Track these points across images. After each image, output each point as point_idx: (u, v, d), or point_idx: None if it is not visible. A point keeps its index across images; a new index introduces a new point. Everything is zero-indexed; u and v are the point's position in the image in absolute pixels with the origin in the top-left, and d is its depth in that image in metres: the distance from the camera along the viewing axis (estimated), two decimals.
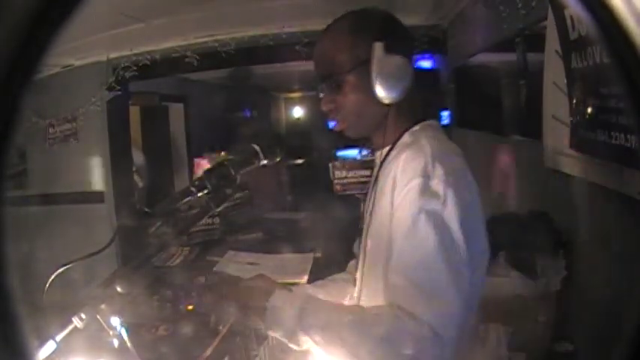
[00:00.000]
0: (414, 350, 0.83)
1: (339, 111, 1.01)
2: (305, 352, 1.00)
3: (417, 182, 0.88)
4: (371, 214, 1.00)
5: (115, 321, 0.82)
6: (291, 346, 0.95)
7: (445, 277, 0.84)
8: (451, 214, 0.85)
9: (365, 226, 1.04)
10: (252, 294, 0.98)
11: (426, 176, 0.87)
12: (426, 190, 0.87)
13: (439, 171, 0.87)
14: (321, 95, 1.02)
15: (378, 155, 1.04)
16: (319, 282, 1.25)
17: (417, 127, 1.00)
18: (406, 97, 0.95)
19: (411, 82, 0.95)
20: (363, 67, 0.94)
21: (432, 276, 0.85)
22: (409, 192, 0.89)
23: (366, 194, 1.11)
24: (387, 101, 0.94)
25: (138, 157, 3.99)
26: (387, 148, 1.00)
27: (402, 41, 0.98)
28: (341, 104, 1.00)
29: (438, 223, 0.85)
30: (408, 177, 0.90)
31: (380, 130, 1.01)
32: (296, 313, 0.90)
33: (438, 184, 0.87)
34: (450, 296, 0.84)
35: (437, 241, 0.85)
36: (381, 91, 0.93)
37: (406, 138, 0.98)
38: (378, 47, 0.93)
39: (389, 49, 0.93)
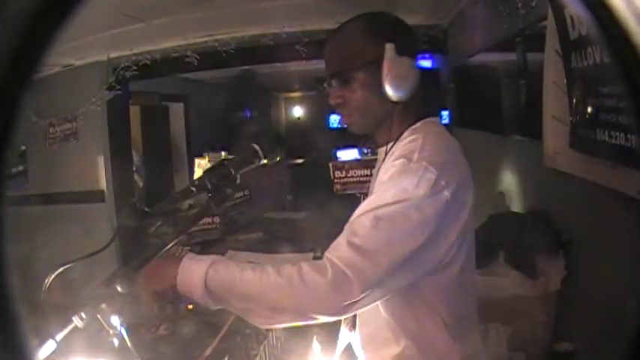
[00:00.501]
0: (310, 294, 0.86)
1: (346, 106, 1.05)
2: (305, 352, 1.00)
3: (399, 162, 0.94)
4: None
5: (115, 321, 0.82)
6: (208, 306, 0.94)
7: (383, 243, 0.88)
8: (420, 196, 0.89)
9: None
10: (165, 263, 0.96)
11: (409, 159, 0.93)
12: (405, 169, 0.93)
13: (425, 156, 0.92)
14: (329, 89, 1.06)
15: (382, 152, 1.08)
16: None
17: (418, 124, 1.04)
18: (411, 96, 1.01)
19: (417, 82, 1.00)
20: (373, 65, 0.99)
21: (373, 235, 0.88)
22: (390, 169, 0.95)
23: (366, 194, 1.12)
24: (395, 99, 0.99)
25: (135, 157, 3.99)
26: (390, 145, 1.05)
27: (409, 43, 1.04)
28: (348, 99, 1.04)
29: (404, 197, 0.89)
30: (394, 158, 0.97)
31: (384, 127, 1.06)
32: (204, 270, 0.90)
33: (417, 167, 0.91)
34: (387, 254, 0.88)
35: (394, 211, 0.89)
36: (390, 90, 0.98)
37: (407, 134, 1.03)
38: (390, 48, 0.98)
39: (399, 51, 0.99)
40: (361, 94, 1.03)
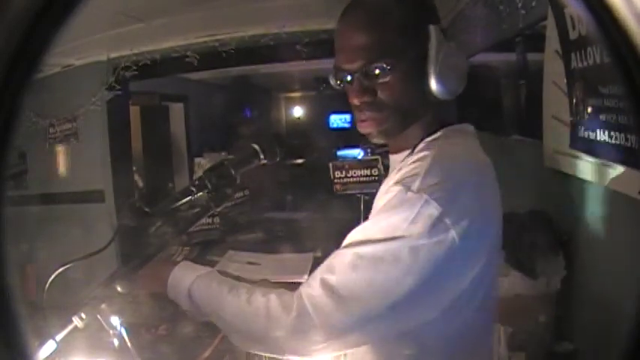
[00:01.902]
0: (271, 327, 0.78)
1: (376, 106, 0.82)
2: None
3: (397, 189, 0.76)
4: None
5: (115, 321, 0.82)
6: (195, 317, 0.93)
7: (360, 288, 0.74)
8: (415, 235, 0.72)
9: None
10: (160, 266, 0.95)
11: (408, 187, 0.75)
12: (401, 201, 0.74)
13: (426, 185, 0.73)
14: (349, 85, 0.83)
15: (394, 161, 0.90)
16: None
17: (438, 134, 0.84)
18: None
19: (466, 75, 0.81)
20: (415, 54, 0.78)
21: (350, 277, 0.75)
22: (386, 195, 0.78)
23: (366, 194, 1.10)
24: (443, 97, 0.80)
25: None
26: (405, 154, 0.85)
27: (448, 27, 0.86)
28: (381, 98, 0.81)
29: (395, 234, 0.73)
30: (392, 182, 0.79)
31: (404, 133, 0.86)
32: (189, 282, 0.89)
33: (416, 199, 0.73)
34: (363, 302, 0.74)
35: (380, 250, 0.73)
36: (438, 85, 0.78)
37: (422, 146, 0.84)
38: (436, 31, 0.78)
39: (445, 35, 0.79)
40: (400, 92, 0.80)
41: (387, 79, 0.80)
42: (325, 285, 0.75)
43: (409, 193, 0.74)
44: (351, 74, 0.82)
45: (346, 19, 0.83)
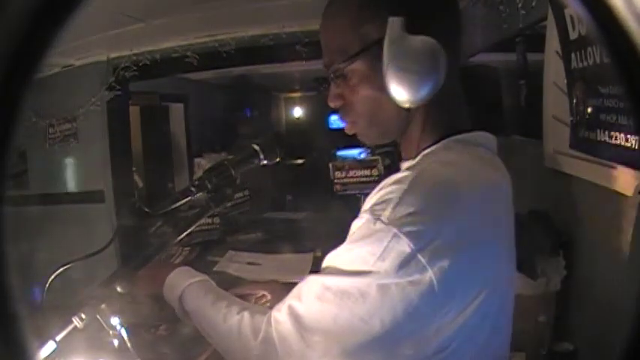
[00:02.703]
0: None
1: (347, 110, 0.77)
2: None
3: (366, 218, 0.66)
4: None
5: (115, 321, 0.82)
6: (184, 321, 0.94)
7: (324, 322, 0.67)
8: (383, 272, 0.63)
9: None
10: (160, 268, 0.97)
11: (377, 216, 0.64)
12: (369, 232, 0.65)
13: (398, 216, 0.63)
14: (331, 87, 0.78)
15: (404, 168, 0.77)
16: None
17: (437, 146, 0.73)
18: (437, 99, 0.69)
19: (444, 76, 0.67)
20: (375, 51, 0.67)
21: (316, 308, 0.68)
22: (357, 222, 0.69)
23: (366, 194, 1.09)
24: (405, 103, 0.68)
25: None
26: (409, 165, 0.75)
27: (438, 16, 0.71)
28: (350, 101, 0.76)
29: (363, 269, 0.64)
30: (367, 205, 0.69)
31: (406, 137, 0.77)
32: (181, 289, 0.90)
33: (384, 233, 0.63)
34: (327, 338, 0.67)
35: (348, 285, 0.65)
36: (396, 88, 0.66)
37: (419, 158, 0.74)
38: (395, 23, 0.65)
39: (414, 27, 0.65)
40: (363, 93, 0.73)
41: (350, 81, 0.73)
42: (292, 313, 0.70)
43: (377, 224, 0.64)
44: (328, 76, 0.76)
45: (322, 20, 0.78)
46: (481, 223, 0.67)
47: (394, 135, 0.78)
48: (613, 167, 1.32)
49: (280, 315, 0.72)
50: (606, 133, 1.32)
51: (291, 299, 0.72)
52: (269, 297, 1.11)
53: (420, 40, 0.65)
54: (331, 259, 0.71)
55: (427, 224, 0.63)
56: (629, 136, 1.20)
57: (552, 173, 1.78)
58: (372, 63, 0.69)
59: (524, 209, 1.88)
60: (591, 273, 1.57)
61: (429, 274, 0.62)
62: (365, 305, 0.64)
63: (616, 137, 1.27)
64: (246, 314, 0.78)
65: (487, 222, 0.68)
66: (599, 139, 1.37)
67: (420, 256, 0.61)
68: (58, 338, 0.75)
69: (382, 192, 0.67)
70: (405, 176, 0.66)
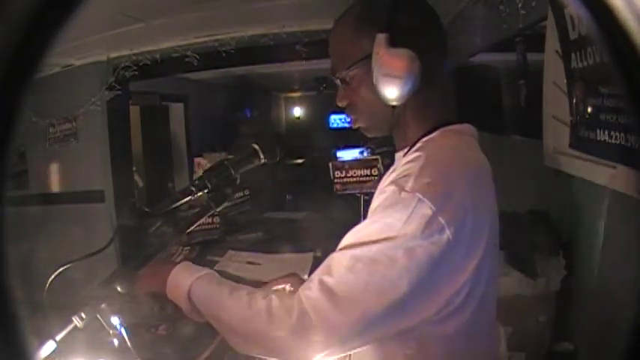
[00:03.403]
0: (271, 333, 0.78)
1: (351, 108, 0.94)
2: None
3: (390, 189, 0.78)
4: None
5: (115, 321, 0.82)
6: (194, 319, 0.93)
7: (357, 290, 0.74)
8: (409, 235, 0.73)
9: None
10: (161, 266, 0.96)
11: (401, 187, 0.76)
12: (396, 200, 0.76)
13: (420, 185, 0.75)
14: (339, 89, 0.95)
15: (398, 157, 0.94)
16: None
17: (435, 134, 0.87)
18: (423, 96, 0.85)
19: (419, 79, 0.82)
20: (369, 60, 0.84)
21: (348, 278, 0.76)
22: (380, 195, 0.80)
23: (366, 194, 1.10)
24: (390, 102, 0.83)
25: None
26: (404, 151, 0.90)
27: (418, 31, 0.86)
28: (353, 101, 0.92)
29: (390, 235, 0.74)
30: (387, 182, 0.81)
31: (398, 131, 0.93)
32: (188, 283, 0.89)
33: (409, 199, 0.74)
34: (361, 304, 0.74)
35: (376, 252, 0.74)
36: (383, 90, 0.83)
37: (418, 145, 0.87)
38: (380, 40, 0.82)
39: (396, 41, 0.81)
40: (362, 96, 0.89)
41: (351, 85, 0.90)
42: (323, 287, 0.76)
43: (403, 193, 0.76)
44: (335, 81, 0.93)
45: (329, 36, 0.95)
46: (479, 193, 0.81)
47: (388, 128, 0.93)
48: (613, 167, 1.32)
49: (311, 291, 0.77)
50: (606, 132, 1.32)
51: (320, 275, 0.78)
52: (289, 289, 1.10)
53: (400, 52, 0.81)
54: (354, 235, 0.80)
55: (443, 190, 0.75)
56: (629, 135, 1.20)
57: (552, 173, 1.78)
58: (366, 70, 0.85)
59: (524, 209, 1.89)
60: (591, 273, 1.57)
61: (447, 234, 0.73)
62: (394, 269, 0.73)
63: (616, 137, 1.27)
64: (273, 297, 0.81)
65: (483, 192, 0.83)
66: (599, 138, 1.37)
67: (440, 218, 0.73)
68: (58, 338, 0.76)
69: (400, 170, 0.81)
70: (418, 156, 0.81)
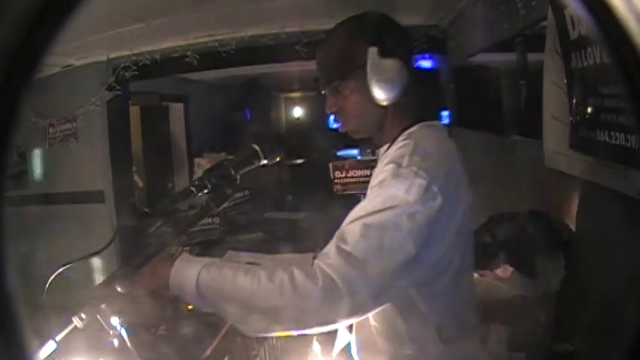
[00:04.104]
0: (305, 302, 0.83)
1: (341, 114, 1.05)
2: (305, 352, 1.00)
3: (389, 167, 0.92)
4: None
5: (115, 321, 0.82)
6: (200, 309, 0.96)
7: (372, 252, 0.85)
8: (410, 203, 0.86)
9: None
10: (160, 263, 0.94)
11: (399, 164, 0.91)
12: (396, 175, 0.90)
13: (413, 162, 0.90)
14: (327, 98, 1.07)
15: (380, 153, 1.08)
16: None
17: (414, 128, 1.03)
18: (404, 97, 1.00)
19: (407, 83, 0.99)
20: (360, 71, 0.98)
21: (363, 243, 0.85)
22: (380, 174, 0.93)
23: (366, 194, 1.11)
24: (384, 103, 0.98)
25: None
26: (386, 146, 1.04)
27: (398, 44, 1.01)
28: (342, 107, 1.04)
29: (394, 204, 0.86)
30: (384, 163, 0.95)
31: (381, 129, 1.06)
32: (196, 272, 0.89)
33: (408, 172, 0.89)
34: (376, 264, 0.85)
35: (384, 219, 0.86)
36: (378, 94, 0.97)
37: (401, 138, 1.01)
38: (373, 52, 0.97)
39: (384, 53, 0.97)
40: (353, 102, 1.02)
41: (343, 94, 1.02)
42: (342, 253, 0.85)
43: (401, 169, 0.90)
44: (322, 90, 1.06)
45: (317, 51, 1.07)
46: (457, 169, 0.97)
47: (375, 128, 1.06)
48: (613, 167, 1.32)
49: (330, 259, 0.85)
50: (606, 133, 1.32)
51: (336, 243, 0.87)
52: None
53: (390, 62, 0.97)
54: (362, 208, 0.90)
55: (432, 165, 0.91)
56: (629, 135, 1.20)
57: (552, 173, 1.78)
58: (359, 78, 0.99)
59: (524, 209, 1.89)
60: (591, 273, 1.57)
61: (439, 200, 0.87)
62: (400, 233, 0.85)
63: (616, 137, 1.27)
64: (294, 269, 0.86)
65: (459, 170, 0.98)
66: (599, 139, 1.37)
67: (433, 186, 0.87)
68: (58, 338, 0.76)
69: (393, 155, 0.95)
70: (407, 143, 0.96)
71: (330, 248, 0.88)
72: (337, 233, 0.90)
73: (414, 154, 0.92)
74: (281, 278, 0.84)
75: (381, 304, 0.91)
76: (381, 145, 1.08)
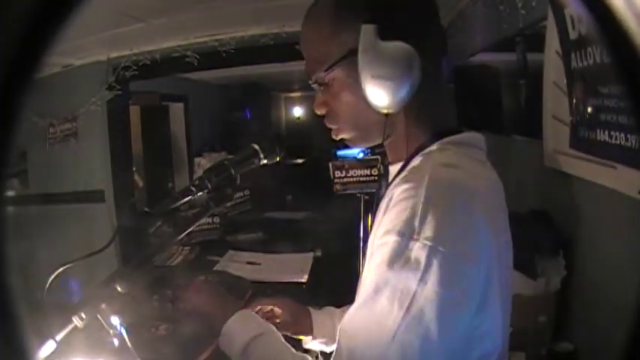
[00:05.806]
0: None
1: (332, 116, 0.77)
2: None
3: (393, 240, 0.62)
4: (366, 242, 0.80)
5: (115, 321, 0.82)
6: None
7: None
8: (429, 294, 0.59)
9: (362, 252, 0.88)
10: (215, 312, 0.96)
11: (406, 235, 0.61)
12: (400, 255, 0.61)
13: (428, 227, 0.60)
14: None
15: (391, 171, 0.78)
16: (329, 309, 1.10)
17: (433, 147, 0.72)
18: (417, 100, 0.69)
19: (419, 80, 0.67)
20: (353, 58, 0.68)
21: None
22: (382, 247, 0.64)
23: (366, 194, 1.09)
24: (381, 108, 0.68)
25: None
26: (399, 166, 0.75)
27: (411, 19, 0.70)
28: (332, 107, 0.76)
29: (405, 305, 0.60)
30: (386, 226, 0.64)
31: (390, 142, 0.77)
32: (245, 342, 0.88)
33: (420, 250, 0.60)
34: None
35: (396, 327, 0.60)
36: (373, 95, 0.67)
37: (417, 160, 0.71)
38: (367, 31, 0.66)
39: (386, 34, 0.66)
40: (344, 101, 0.74)
41: (331, 89, 0.74)
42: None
43: (411, 243, 0.61)
44: (311, 83, 0.78)
45: (300, 31, 0.78)
46: (493, 219, 0.66)
47: (378, 139, 0.76)
48: (613, 167, 1.32)
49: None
50: (606, 132, 1.32)
51: (343, 345, 0.67)
52: (278, 312, 1.10)
53: (393, 46, 0.65)
54: (359, 306, 0.66)
55: (449, 227, 0.61)
56: (629, 135, 1.20)
57: (552, 173, 1.78)
58: (350, 70, 0.69)
59: (524, 209, 1.88)
60: (591, 273, 1.57)
61: (464, 283, 0.61)
62: (429, 342, 0.61)
63: (616, 137, 1.27)
64: None
65: (497, 217, 0.68)
66: (599, 138, 1.37)
67: (458, 262, 0.61)
68: (58, 338, 0.75)
69: (396, 208, 0.64)
70: (413, 186, 0.64)
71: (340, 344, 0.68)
72: (339, 331, 0.68)
73: (428, 209, 0.61)
74: None
75: None
76: (392, 163, 0.78)
